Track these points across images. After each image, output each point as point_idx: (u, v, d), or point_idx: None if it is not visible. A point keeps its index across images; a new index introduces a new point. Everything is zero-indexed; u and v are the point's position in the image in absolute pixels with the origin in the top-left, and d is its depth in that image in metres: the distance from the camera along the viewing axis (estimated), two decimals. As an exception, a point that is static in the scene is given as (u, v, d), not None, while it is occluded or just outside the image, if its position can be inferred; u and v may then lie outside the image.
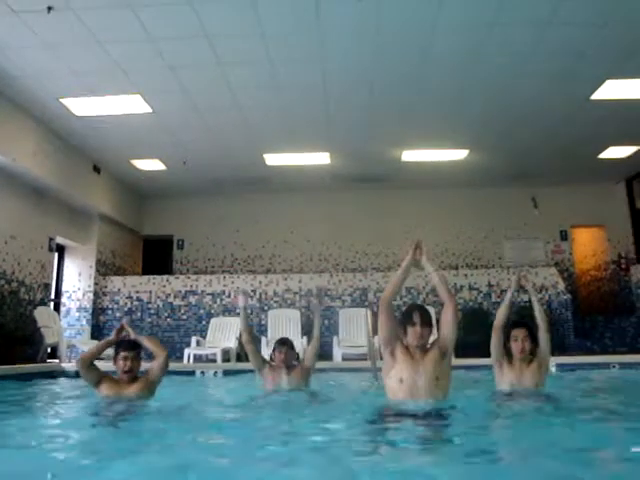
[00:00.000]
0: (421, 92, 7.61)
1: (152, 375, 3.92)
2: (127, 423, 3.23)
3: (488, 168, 10.98)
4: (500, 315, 4.00)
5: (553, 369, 5.22)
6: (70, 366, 6.59)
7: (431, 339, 3.27)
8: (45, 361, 8.46)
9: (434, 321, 3.46)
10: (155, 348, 4.02)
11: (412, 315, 3.19)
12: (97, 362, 3.94)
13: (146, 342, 4.02)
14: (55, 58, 6.52)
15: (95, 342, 9.54)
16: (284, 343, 4.79)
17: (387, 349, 3.21)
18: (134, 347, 3.91)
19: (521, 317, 5.70)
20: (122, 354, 3.83)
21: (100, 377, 3.86)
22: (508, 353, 3.97)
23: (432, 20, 5.86)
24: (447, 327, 3.24)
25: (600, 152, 10.15)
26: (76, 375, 5.27)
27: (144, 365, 4.00)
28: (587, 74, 7.10)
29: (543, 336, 3.96)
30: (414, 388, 3.07)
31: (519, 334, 3.92)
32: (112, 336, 4.06)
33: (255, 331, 10.16)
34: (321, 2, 5.50)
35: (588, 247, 12.65)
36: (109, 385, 3.83)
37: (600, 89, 7.44)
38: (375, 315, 3.56)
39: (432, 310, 9.38)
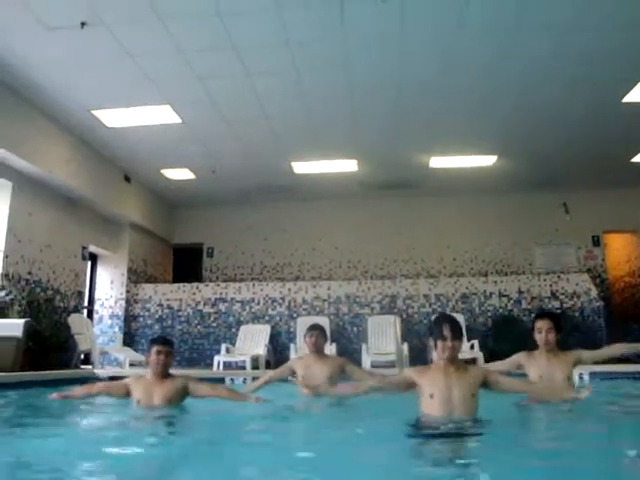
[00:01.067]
0: (447, 97, 7.59)
1: (197, 391, 3.93)
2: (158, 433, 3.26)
3: (517, 174, 10.85)
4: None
5: (585, 377, 5.13)
6: (103, 372, 6.73)
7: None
8: (79, 367, 8.63)
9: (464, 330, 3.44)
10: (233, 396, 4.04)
11: (442, 329, 3.11)
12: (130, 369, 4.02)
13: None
14: (87, 71, 6.71)
15: (127, 349, 9.72)
16: (315, 327, 4.82)
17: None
18: (168, 342, 4.00)
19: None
20: (156, 348, 3.89)
21: (123, 385, 3.95)
22: (534, 345, 3.96)
23: (457, 23, 5.85)
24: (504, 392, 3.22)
25: (633, 156, 9.94)
26: (110, 380, 5.38)
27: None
28: (618, 76, 6.99)
29: (605, 350, 4.09)
30: (447, 402, 3.02)
31: (543, 326, 3.90)
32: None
33: (283, 339, 10.22)
34: (345, 7, 5.54)
35: (622, 253, 12.38)
36: (142, 383, 3.90)
37: (633, 91, 7.31)
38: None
39: (461, 318, 9.34)
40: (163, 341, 3.99)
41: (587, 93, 7.48)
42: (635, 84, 7.13)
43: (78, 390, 4.14)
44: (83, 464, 2.42)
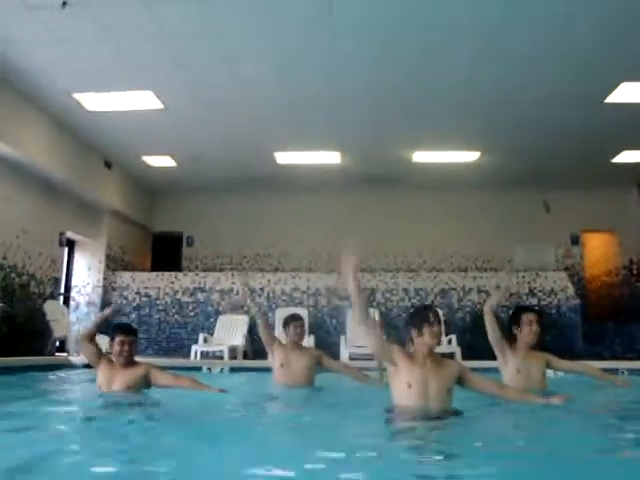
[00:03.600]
0: (432, 93, 7.58)
1: (158, 379, 3.84)
2: (123, 419, 3.21)
3: (500, 170, 10.92)
4: (491, 302, 4.00)
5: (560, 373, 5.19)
6: (78, 360, 6.64)
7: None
8: (53, 354, 8.52)
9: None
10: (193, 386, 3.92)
11: (429, 315, 3.08)
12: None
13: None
14: (68, 53, 6.56)
15: (103, 337, 9.59)
16: (298, 318, 4.80)
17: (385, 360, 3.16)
18: (131, 331, 3.91)
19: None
20: (119, 338, 3.81)
21: (100, 355, 3.90)
22: (511, 339, 3.97)
23: (443, 19, 5.83)
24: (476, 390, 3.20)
25: (614, 156, 10.06)
26: (85, 367, 5.32)
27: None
28: (601, 77, 7.05)
29: (575, 366, 4.14)
30: (424, 395, 2.99)
31: (534, 319, 3.93)
32: (107, 312, 4.08)
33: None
34: None
35: (599, 252, 12.55)
36: (107, 367, 3.85)
37: (615, 92, 7.37)
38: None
39: (440, 312, 9.37)
40: (126, 330, 3.89)
41: (570, 93, 7.53)
42: (617, 85, 7.19)
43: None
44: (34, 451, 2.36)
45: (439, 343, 3.09)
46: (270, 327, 5.07)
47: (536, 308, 4.13)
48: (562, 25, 5.86)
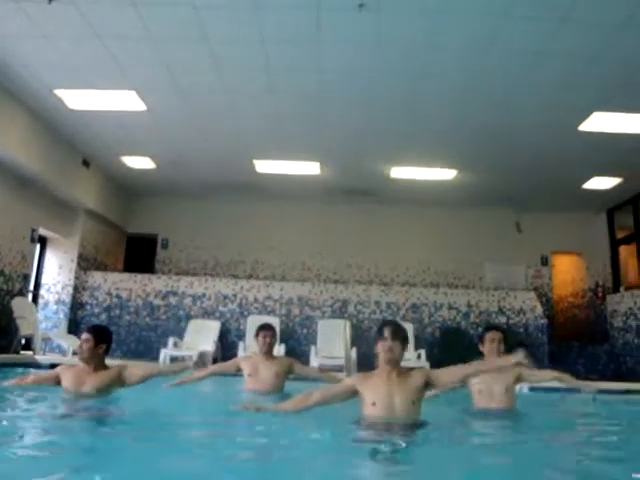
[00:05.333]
0: (413, 111, 7.72)
1: (133, 376, 3.84)
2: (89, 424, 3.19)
3: (475, 190, 11.14)
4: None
5: (525, 389, 5.30)
6: (43, 359, 6.56)
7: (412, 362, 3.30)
8: (19, 352, 8.37)
9: (410, 337, 3.50)
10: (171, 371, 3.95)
11: (383, 330, 3.19)
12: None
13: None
14: (52, 49, 6.52)
15: (72, 337, 9.46)
16: (268, 327, 4.81)
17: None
18: (93, 330, 3.90)
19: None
20: (84, 337, 3.82)
21: (56, 378, 3.86)
22: (480, 357, 4.06)
23: (428, 40, 5.97)
24: (447, 384, 3.27)
25: (584, 182, 10.35)
26: (50, 367, 5.25)
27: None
28: (575, 105, 7.27)
29: (545, 375, 4.15)
30: (389, 409, 3.05)
31: (495, 336, 4.03)
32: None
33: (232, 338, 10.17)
34: (322, 12, 5.57)
35: (567, 274, 12.84)
36: (70, 371, 3.82)
37: (587, 121, 7.61)
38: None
39: (410, 327, 9.49)
40: (89, 329, 3.92)
41: (546, 119, 7.74)
42: (590, 113, 7.43)
43: (9, 382, 4.01)
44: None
45: (395, 357, 3.13)
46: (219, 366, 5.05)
47: (502, 327, 4.22)
48: (539, 53, 6.04)
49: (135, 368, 3.90)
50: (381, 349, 3.15)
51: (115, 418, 3.44)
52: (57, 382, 3.86)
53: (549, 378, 4.36)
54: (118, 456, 2.47)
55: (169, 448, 2.66)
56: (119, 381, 3.83)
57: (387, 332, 3.16)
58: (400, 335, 3.18)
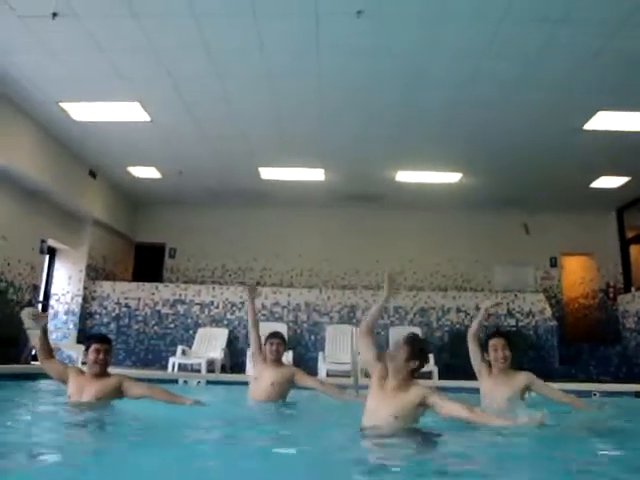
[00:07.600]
0: (416, 114, 7.72)
1: (131, 390, 3.85)
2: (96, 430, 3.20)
3: (481, 192, 11.09)
4: (475, 325, 4.10)
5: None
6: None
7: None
8: (29, 363, 8.42)
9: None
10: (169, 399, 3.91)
11: (401, 341, 3.15)
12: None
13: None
14: (57, 63, 6.59)
15: (81, 346, 9.49)
16: (277, 336, 4.80)
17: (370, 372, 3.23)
18: (106, 340, 3.93)
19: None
20: (94, 347, 3.83)
21: (64, 367, 3.91)
22: (488, 364, 4.04)
23: (429, 44, 5.97)
24: (444, 416, 3.08)
25: (592, 181, 10.27)
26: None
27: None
28: (580, 105, 7.24)
29: (554, 394, 4.02)
30: (374, 416, 3.01)
31: (497, 343, 3.98)
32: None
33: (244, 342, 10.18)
34: (321, 18, 5.59)
35: (577, 275, 12.74)
36: (77, 377, 3.84)
37: (592, 120, 7.56)
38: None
39: (418, 331, 9.45)
40: (102, 339, 3.92)
41: (551, 118, 7.70)
42: (596, 112, 7.38)
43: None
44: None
45: (396, 368, 3.06)
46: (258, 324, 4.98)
47: (504, 330, 4.19)
48: (541, 52, 6.02)
49: (135, 385, 3.88)
50: (389, 358, 3.15)
51: (117, 424, 3.45)
52: (60, 378, 3.88)
53: (556, 398, 4.04)
54: (120, 462, 2.48)
55: (170, 454, 2.67)
56: (119, 392, 3.84)
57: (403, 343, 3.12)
58: (414, 345, 3.12)
